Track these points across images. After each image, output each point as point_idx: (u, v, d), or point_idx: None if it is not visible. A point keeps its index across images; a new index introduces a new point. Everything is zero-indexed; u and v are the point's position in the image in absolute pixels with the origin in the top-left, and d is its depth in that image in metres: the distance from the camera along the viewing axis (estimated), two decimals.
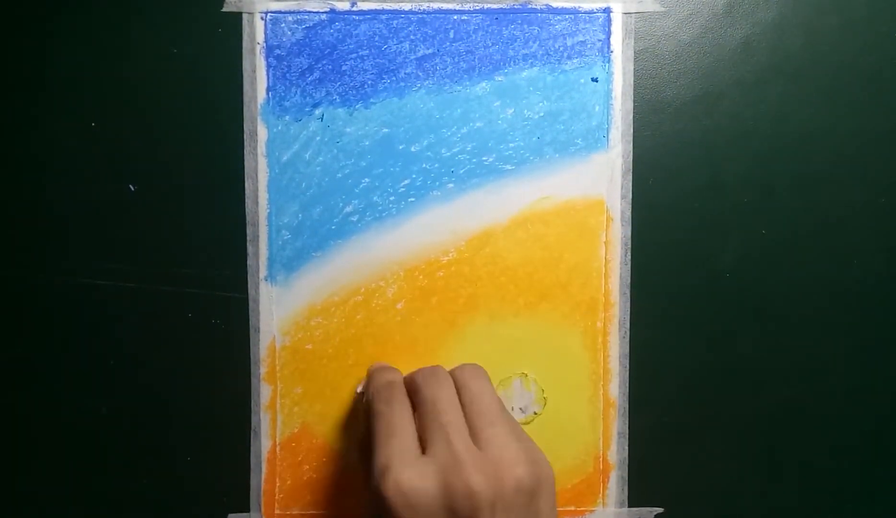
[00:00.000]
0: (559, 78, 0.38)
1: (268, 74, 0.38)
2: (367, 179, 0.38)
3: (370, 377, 0.35)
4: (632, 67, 0.38)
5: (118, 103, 0.38)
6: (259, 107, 0.38)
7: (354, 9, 0.38)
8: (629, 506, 0.39)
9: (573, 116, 0.38)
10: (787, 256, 0.39)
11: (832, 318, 0.39)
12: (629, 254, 0.39)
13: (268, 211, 0.38)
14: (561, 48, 0.38)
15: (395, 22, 0.38)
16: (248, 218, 0.38)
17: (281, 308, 0.38)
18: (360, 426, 0.38)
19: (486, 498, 0.28)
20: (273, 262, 0.38)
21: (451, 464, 0.29)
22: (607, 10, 0.38)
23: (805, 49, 0.39)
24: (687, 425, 0.39)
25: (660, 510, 0.39)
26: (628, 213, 0.38)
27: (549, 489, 0.30)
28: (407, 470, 0.29)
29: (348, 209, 0.38)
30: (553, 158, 0.38)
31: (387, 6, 0.38)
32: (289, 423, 0.38)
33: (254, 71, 0.38)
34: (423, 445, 0.30)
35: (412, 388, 0.32)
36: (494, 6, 0.38)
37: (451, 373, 0.33)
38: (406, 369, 0.38)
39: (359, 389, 0.37)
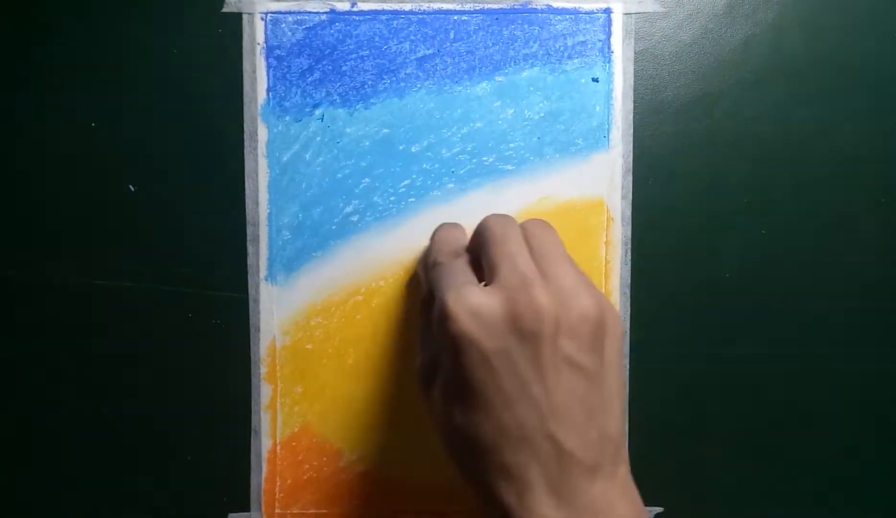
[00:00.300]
0: (559, 78, 0.38)
1: (268, 75, 0.38)
2: (367, 180, 0.38)
3: (434, 234, 0.35)
4: (632, 68, 0.38)
5: (118, 103, 0.38)
6: (259, 107, 0.38)
7: (354, 9, 0.38)
8: None
9: (573, 117, 0.38)
10: (787, 256, 0.39)
11: (832, 318, 0.39)
12: (629, 254, 0.39)
13: (268, 211, 0.38)
14: (561, 48, 0.38)
15: (396, 22, 0.38)
16: (249, 218, 0.38)
17: (281, 308, 0.38)
18: (423, 286, 0.37)
19: (550, 314, 0.27)
20: (273, 262, 0.38)
21: (517, 284, 0.28)
22: (608, 11, 0.38)
23: (805, 49, 0.39)
24: (687, 425, 0.39)
25: (659, 510, 0.39)
26: (628, 213, 0.39)
27: (615, 332, 0.29)
28: (472, 288, 0.28)
29: (348, 209, 0.38)
30: (553, 158, 0.38)
31: (387, 6, 0.38)
32: (289, 423, 0.38)
33: (254, 71, 0.38)
34: (489, 281, 0.30)
35: (479, 231, 0.32)
36: (495, 6, 0.38)
37: (520, 224, 0.32)
38: (408, 370, 0.39)
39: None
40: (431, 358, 0.31)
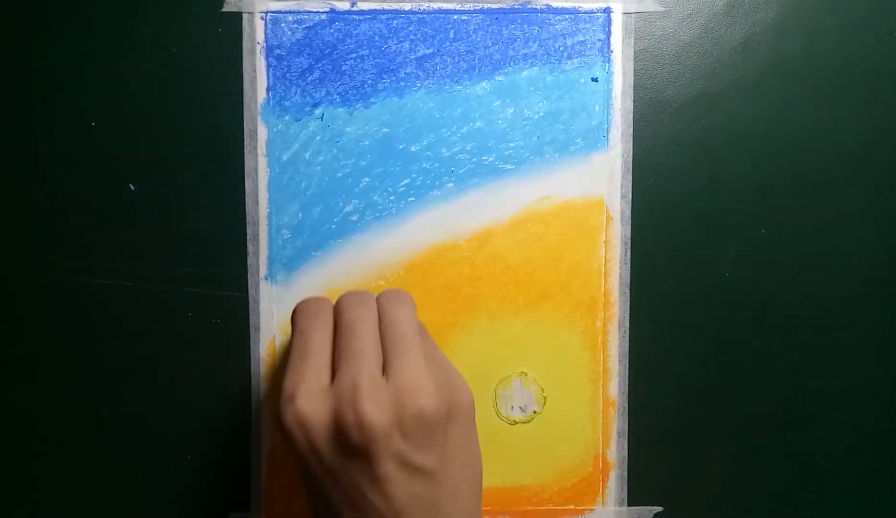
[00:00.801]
0: (559, 78, 0.38)
1: (268, 74, 0.38)
2: (367, 179, 0.38)
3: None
4: (632, 67, 0.38)
5: (118, 103, 0.38)
6: (259, 106, 0.38)
7: (354, 9, 0.38)
8: (629, 505, 0.39)
9: (573, 116, 0.38)
10: (787, 256, 0.39)
11: (832, 318, 0.39)
12: (629, 254, 0.39)
13: (268, 210, 0.38)
14: (561, 48, 0.38)
15: (395, 22, 0.38)
16: (248, 217, 0.38)
17: (281, 307, 0.38)
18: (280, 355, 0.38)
19: (380, 428, 0.27)
20: (273, 261, 0.38)
21: (348, 393, 0.28)
22: (607, 10, 0.38)
23: (805, 49, 0.39)
24: (687, 425, 0.39)
25: (659, 509, 0.39)
26: (628, 213, 0.39)
27: (462, 415, 0.30)
28: (308, 399, 0.28)
29: (348, 209, 0.38)
30: (553, 158, 0.38)
31: (387, 6, 0.38)
32: None
33: (254, 71, 0.38)
34: (334, 372, 0.30)
35: (337, 311, 0.31)
36: (494, 6, 0.38)
37: (376, 298, 0.32)
38: None
39: None
40: None
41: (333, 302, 0.32)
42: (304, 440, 0.28)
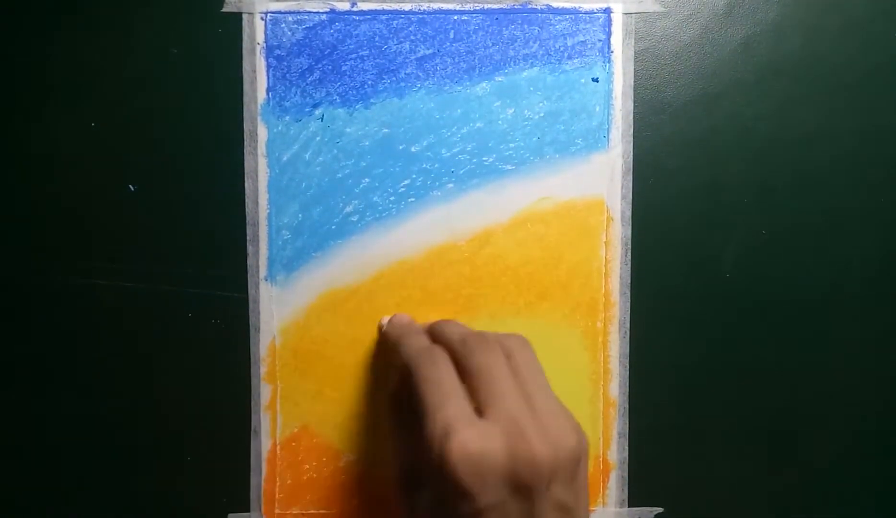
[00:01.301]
0: (559, 78, 0.38)
1: (268, 75, 0.38)
2: (367, 179, 0.38)
3: (400, 342, 0.34)
4: (632, 67, 0.38)
5: (118, 103, 0.38)
6: (259, 107, 0.38)
7: (354, 9, 0.38)
8: (629, 506, 0.39)
9: (573, 116, 0.38)
10: (787, 256, 0.39)
11: (832, 318, 0.39)
12: (629, 254, 0.39)
13: (268, 211, 0.38)
14: (561, 48, 0.38)
15: (396, 22, 0.38)
16: (248, 218, 0.38)
17: (281, 308, 0.38)
18: (391, 379, 0.36)
19: (547, 466, 0.27)
20: (273, 262, 0.38)
21: (514, 430, 0.28)
22: (607, 11, 0.38)
23: (805, 49, 0.39)
24: (687, 425, 0.39)
25: (660, 510, 0.39)
26: (628, 213, 0.39)
27: (586, 457, 0.30)
28: (472, 431, 0.28)
29: (348, 209, 0.38)
30: (553, 158, 0.38)
31: (387, 6, 0.38)
32: (289, 423, 0.38)
33: (254, 71, 0.38)
34: (478, 412, 0.29)
35: (456, 353, 0.31)
36: (494, 6, 0.38)
37: (498, 340, 0.32)
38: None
39: (383, 322, 0.37)
40: (415, 468, 0.31)
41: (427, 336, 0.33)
42: (473, 477, 0.27)
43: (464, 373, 0.31)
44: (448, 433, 0.28)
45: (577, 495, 0.29)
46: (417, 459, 0.30)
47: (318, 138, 0.38)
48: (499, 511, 0.28)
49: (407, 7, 0.38)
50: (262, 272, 0.38)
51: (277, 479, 0.39)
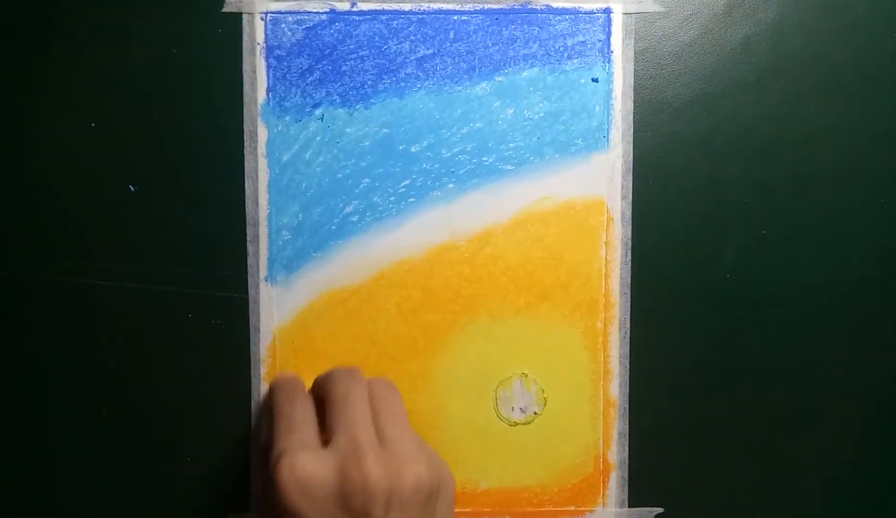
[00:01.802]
0: (559, 78, 0.38)
1: (268, 75, 0.38)
2: (367, 180, 0.38)
3: (271, 388, 0.35)
4: (632, 68, 0.38)
5: (118, 103, 0.38)
6: (259, 107, 0.38)
7: (354, 9, 0.38)
8: (629, 506, 0.39)
9: (573, 117, 0.38)
10: (787, 256, 0.39)
11: (832, 317, 0.39)
12: (629, 254, 0.39)
13: (268, 211, 0.38)
14: (561, 48, 0.38)
15: (396, 22, 0.38)
16: (248, 218, 0.38)
17: (281, 308, 0.38)
18: (263, 433, 0.38)
19: (382, 490, 0.27)
20: (273, 262, 0.38)
21: (350, 453, 0.28)
22: (607, 11, 0.38)
23: (805, 49, 0.39)
24: (687, 425, 0.39)
25: (660, 510, 0.39)
26: (628, 213, 0.39)
27: (447, 493, 0.30)
28: (303, 455, 0.28)
29: (348, 209, 0.38)
30: (553, 159, 0.38)
31: (387, 6, 0.38)
32: None
33: (254, 71, 0.38)
34: (327, 441, 0.29)
35: (322, 385, 0.32)
36: (494, 6, 0.38)
37: (364, 378, 0.32)
38: (408, 370, 0.38)
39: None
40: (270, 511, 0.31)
41: (307, 381, 0.33)
42: (301, 498, 0.27)
43: (324, 403, 0.31)
44: (280, 457, 0.28)
45: None
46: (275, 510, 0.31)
47: (318, 138, 0.38)
48: None
49: (407, 7, 0.38)
50: (262, 272, 0.38)
51: None
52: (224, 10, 0.37)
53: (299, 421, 0.30)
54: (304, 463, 0.28)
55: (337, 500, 0.28)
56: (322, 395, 0.32)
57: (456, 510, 0.39)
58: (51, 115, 0.37)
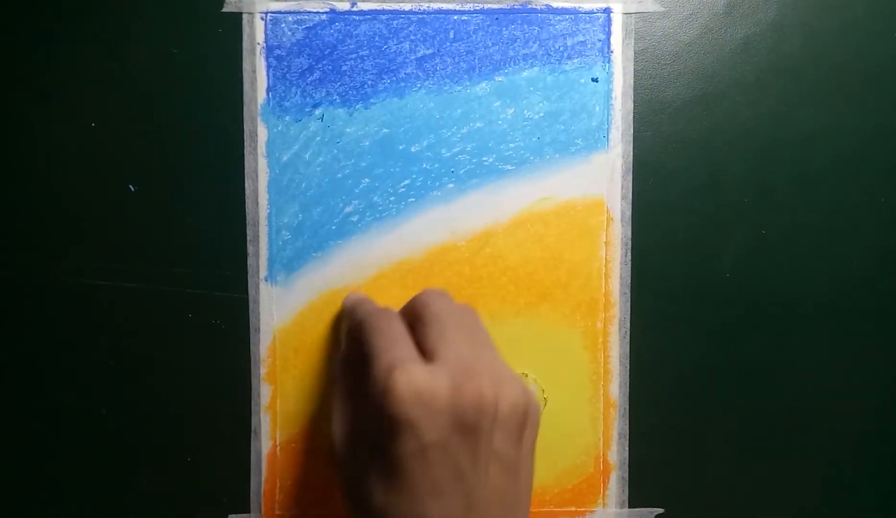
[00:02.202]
0: (559, 78, 0.38)
1: (268, 75, 0.38)
2: (367, 180, 0.38)
3: (355, 307, 0.34)
4: (632, 67, 0.38)
5: (118, 103, 0.38)
6: (259, 107, 0.38)
7: (354, 9, 0.38)
8: (629, 506, 0.39)
9: (573, 117, 0.38)
10: (787, 256, 0.39)
11: (832, 317, 0.39)
12: (629, 254, 0.39)
13: (268, 211, 0.38)
14: (561, 48, 0.38)
15: (396, 22, 0.38)
16: (248, 218, 0.38)
17: (281, 308, 0.38)
18: (342, 343, 0.36)
19: (491, 407, 0.27)
20: (273, 262, 0.38)
21: (462, 370, 0.28)
22: (607, 11, 0.38)
23: (805, 49, 0.39)
24: (687, 425, 0.39)
25: (660, 510, 0.39)
26: (628, 213, 0.38)
27: (535, 419, 0.30)
28: (418, 368, 0.28)
29: (348, 209, 0.38)
30: (553, 159, 0.38)
31: (387, 6, 0.38)
32: (289, 424, 0.38)
33: (254, 71, 0.38)
34: (428, 358, 0.29)
35: (415, 306, 0.32)
36: (494, 6, 0.38)
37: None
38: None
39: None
40: (354, 425, 0.30)
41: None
42: (417, 409, 0.27)
43: (416, 323, 0.31)
44: (393, 369, 0.28)
45: (520, 458, 0.29)
46: (361, 413, 0.30)
47: (318, 138, 0.38)
48: (442, 450, 0.27)
49: (407, 7, 0.38)
50: (262, 272, 0.38)
51: (277, 479, 0.39)
52: (224, 10, 0.37)
53: (400, 337, 0.30)
54: (420, 375, 0.27)
55: (449, 415, 0.27)
56: (413, 315, 0.31)
57: None
58: (51, 115, 0.37)
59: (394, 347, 0.29)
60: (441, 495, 0.27)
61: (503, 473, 0.28)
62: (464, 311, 0.32)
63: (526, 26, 0.38)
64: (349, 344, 0.33)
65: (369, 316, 0.32)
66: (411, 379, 0.27)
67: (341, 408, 0.32)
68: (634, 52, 0.38)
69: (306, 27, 0.38)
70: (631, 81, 0.38)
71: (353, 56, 0.38)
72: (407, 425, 0.27)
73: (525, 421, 0.29)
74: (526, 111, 0.38)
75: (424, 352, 0.29)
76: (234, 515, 0.39)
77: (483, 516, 0.28)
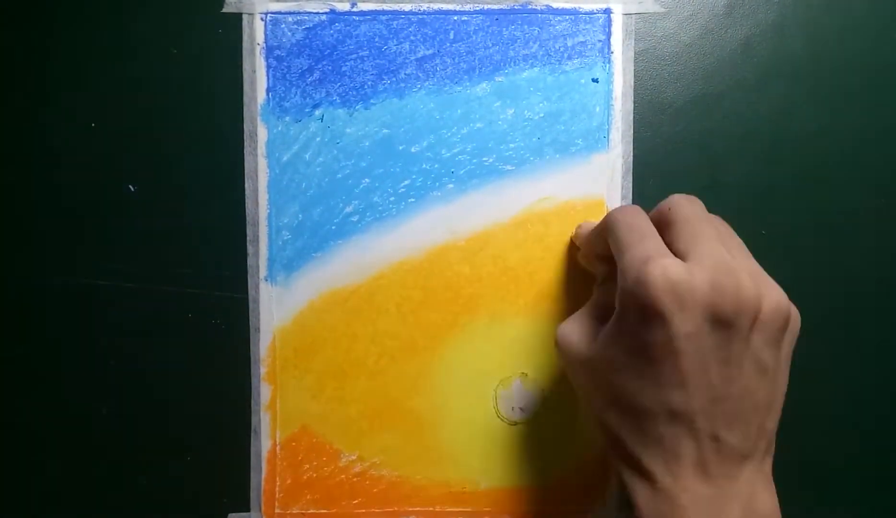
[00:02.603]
0: (559, 78, 0.38)
1: (268, 75, 0.38)
2: (367, 180, 0.38)
3: (611, 215, 0.32)
4: (632, 68, 0.38)
5: (118, 103, 0.38)
6: (259, 107, 0.38)
7: (354, 9, 0.38)
8: None
9: (573, 117, 0.38)
10: (787, 256, 0.39)
11: (832, 318, 0.39)
12: None
13: (268, 211, 0.38)
14: (561, 49, 0.38)
15: (395, 23, 0.38)
16: (248, 218, 0.38)
17: (281, 308, 0.38)
18: (599, 268, 0.35)
19: (752, 305, 0.27)
20: (273, 262, 0.38)
21: (720, 266, 0.27)
22: (608, 11, 0.38)
23: (805, 50, 0.39)
24: None
25: None
26: None
27: (794, 328, 0.29)
28: (672, 261, 0.27)
29: (348, 210, 0.38)
30: (553, 159, 0.38)
31: (387, 7, 0.38)
32: (289, 423, 0.38)
33: (254, 71, 0.38)
34: (683, 258, 0.28)
35: (664, 208, 0.31)
36: (494, 7, 0.38)
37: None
38: (408, 370, 0.38)
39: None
40: (604, 307, 0.30)
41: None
42: (671, 299, 0.26)
43: (665, 227, 0.30)
44: (648, 260, 0.27)
45: (778, 364, 0.28)
46: (608, 308, 0.30)
47: (318, 139, 0.38)
48: (694, 342, 0.27)
49: (407, 7, 0.38)
50: (262, 272, 0.38)
51: (277, 478, 0.39)
52: (224, 10, 0.37)
53: (651, 233, 0.29)
54: (674, 267, 0.27)
55: (704, 309, 0.26)
56: (661, 221, 0.31)
57: (455, 510, 0.39)
58: (51, 115, 0.37)
59: (646, 241, 0.28)
60: (686, 386, 0.27)
61: (757, 375, 0.28)
62: (716, 218, 0.31)
63: (526, 27, 0.38)
64: (603, 266, 0.33)
65: (618, 211, 0.31)
66: (666, 270, 0.27)
67: (592, 306, 0.32)
68: (635, 53, 0.38)
69: (306, 28, 0.38)
70: (631, 82, 0.38)
71: (353, 56, 0.38)
72: (658, 313, 0.26)
73: (786, 325, 0.28)
74: (526, 111, 0.38)
75: (675, 253, 0.28)
76: (234, 514, 0.39)
77: (728, 411, 0.27)
